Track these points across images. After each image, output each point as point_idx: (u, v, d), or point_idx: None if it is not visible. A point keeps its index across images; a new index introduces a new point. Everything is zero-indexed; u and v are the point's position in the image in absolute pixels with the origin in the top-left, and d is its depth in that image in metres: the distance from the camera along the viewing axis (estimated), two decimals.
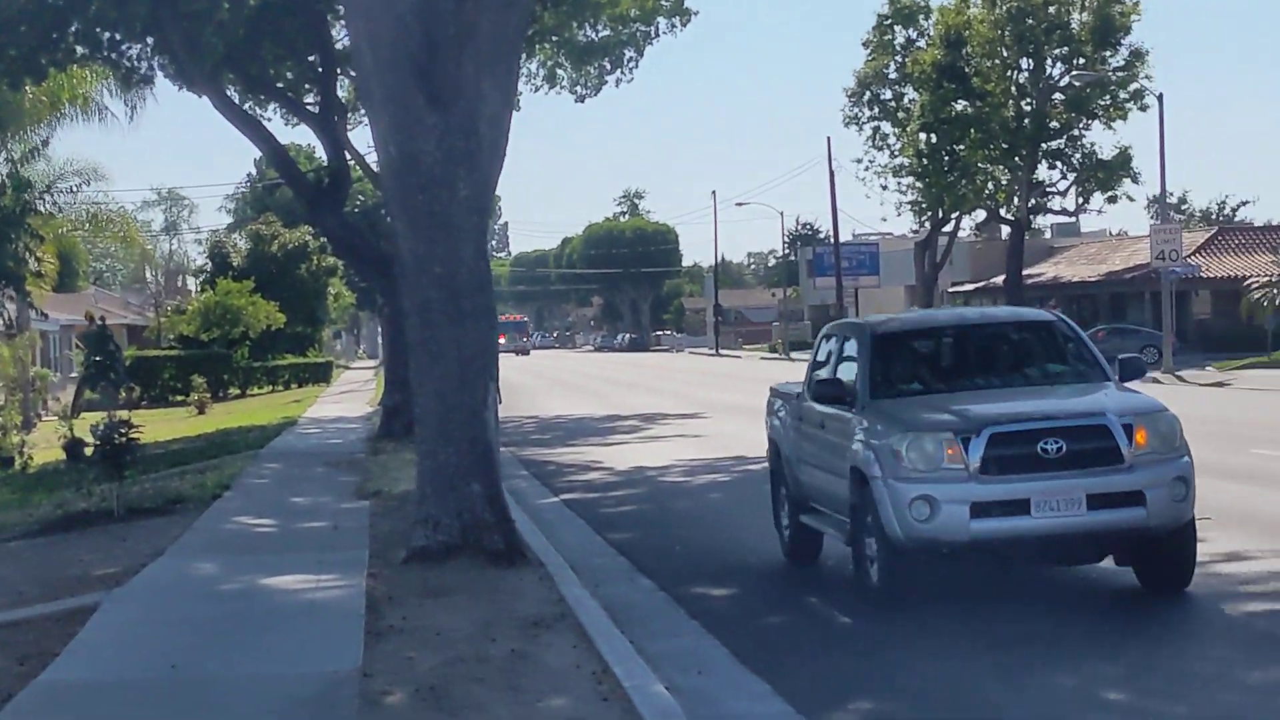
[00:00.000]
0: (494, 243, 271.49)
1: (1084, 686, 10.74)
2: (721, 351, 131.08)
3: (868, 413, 14.11)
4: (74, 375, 64.97)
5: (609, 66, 45.16)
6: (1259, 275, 71.67)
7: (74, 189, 48.84)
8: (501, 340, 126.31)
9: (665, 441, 34.59)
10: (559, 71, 45.36)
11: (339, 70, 38.49)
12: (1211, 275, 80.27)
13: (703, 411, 45.79)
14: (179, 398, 70.38)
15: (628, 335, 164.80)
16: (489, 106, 16.43)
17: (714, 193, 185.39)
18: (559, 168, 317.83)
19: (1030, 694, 10.65)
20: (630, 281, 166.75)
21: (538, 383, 76.74)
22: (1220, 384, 54.10)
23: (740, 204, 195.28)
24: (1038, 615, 13.27)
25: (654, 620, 14.00)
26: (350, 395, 66.14)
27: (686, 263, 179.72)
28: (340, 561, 16.59)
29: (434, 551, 16.00)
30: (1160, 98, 67.39)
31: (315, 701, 10.67)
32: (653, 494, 24.64)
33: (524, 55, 44.21)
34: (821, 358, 16.48)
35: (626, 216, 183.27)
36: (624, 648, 11.98)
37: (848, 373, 15.18)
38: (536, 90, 45.62)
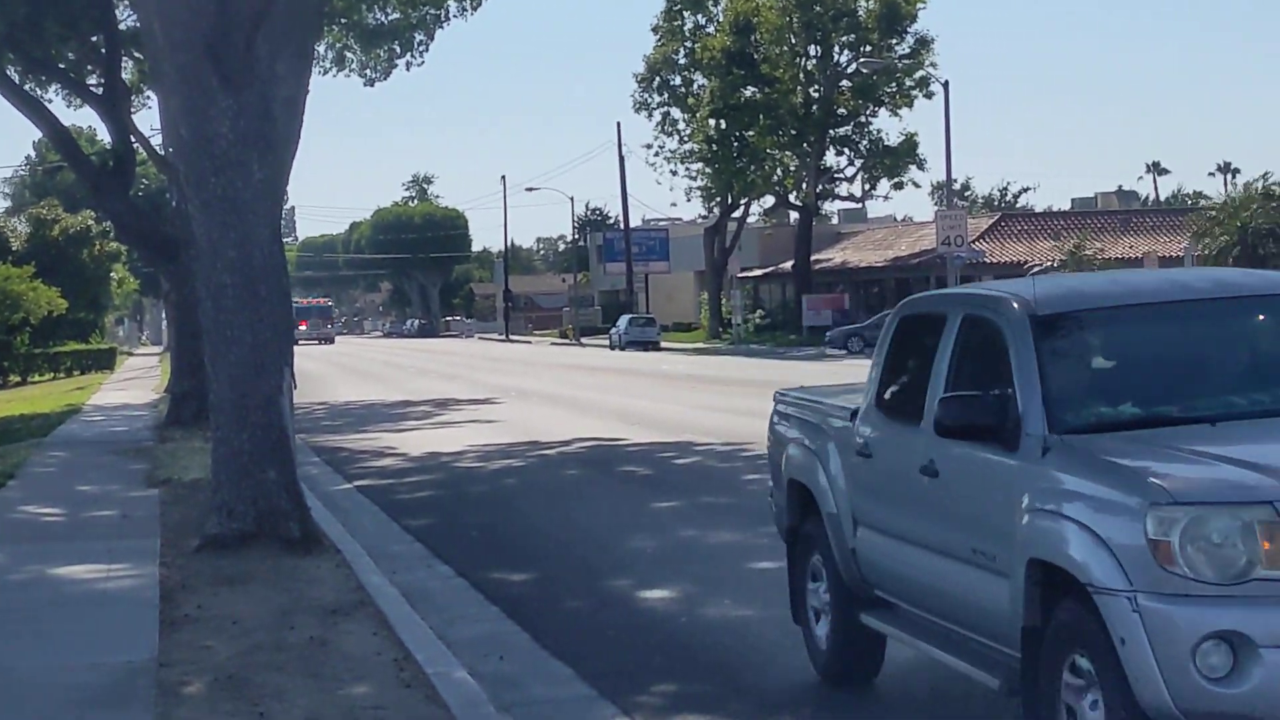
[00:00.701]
0: (281, 226, 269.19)
1: None
2: (512, 337, 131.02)
3: (1057, 458, 7.95)
4: None
5: (399, 49, 44.79)
6: (1040, 260, 73.30)
7: None
8: (302, 327, 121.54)
9: (458, 427, 34.50)
10: (348, 54, 44.89)
11: (123, 52, 37.80)
12: (995, 260, 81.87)
13: (495, 396, 45.75)
14: None
15: (417, 321, 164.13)
16: (283, 89, 16.28)
17: (504, 178, 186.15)
18: (347, 151, 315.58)
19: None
20: (419, 267, 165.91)
21: (328, 369, 76.01)
22: None
23: (530, 189, 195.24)
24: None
25: (454, 606, 13.99)
26: (135, 382, 65.06)
27: (476, 248, 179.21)
28: (131, 550, 16.30)
29: (229, 539, 15.79)
30: (946, 85, 68.56)
31: (111, 691, 10.48)
32: (448, 480, 24.55)
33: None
34: (907, 355, 10.16)
35: (416, 201, 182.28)
36: (425, 634, 11.95)
37: (973, 380, 8.90)
38: (325, 73, 44.99)
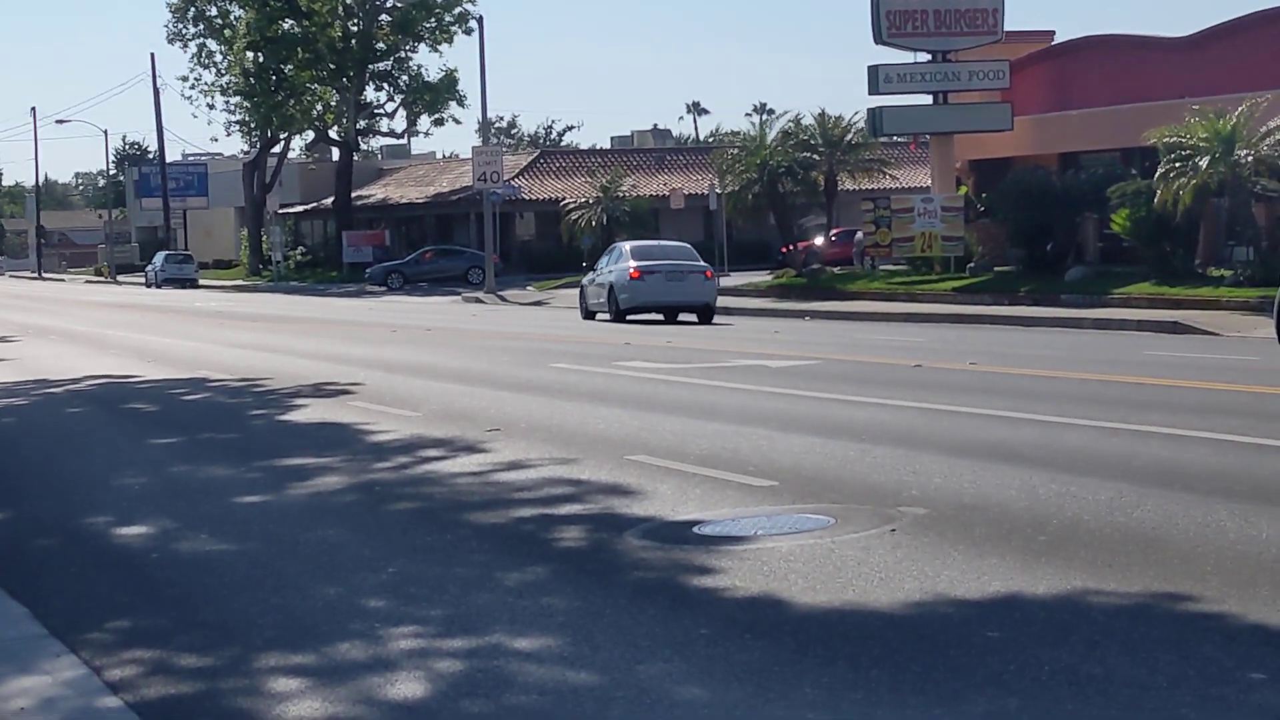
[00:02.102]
0: None
1: (347, 596, 10.85)
2: (45, 275, 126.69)
3: None
4: None
5: None
6: (577, 198, 74.27)
7: None
8: None
9: None
10: None
11: None
12: (534, 197, 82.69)
13: (11, 335, 44.20)
14: None
15: None
16: None
17: (34, 109, 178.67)
18: None
19: (298, 604, 10.67)
20: None
21: None
22: (539, 303, 55.90)
23: (61, 121, 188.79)
24: (324, 540, 13.35)
25: None
26: None
27: (8, 182, 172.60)
28: None
29: None
30: (480, 21, 68.85)
31: None
32: None
33: None
34: None
35: None
36: None
37: None
38: None
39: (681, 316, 44.57)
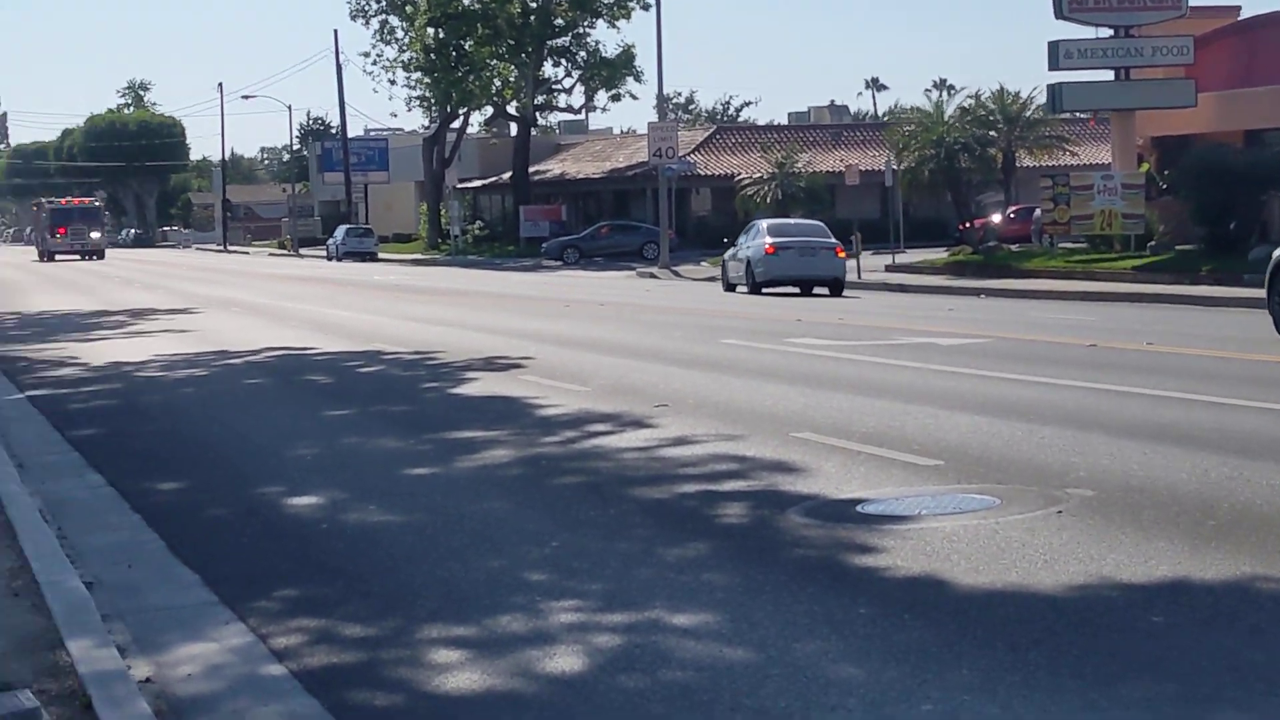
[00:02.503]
0: None
1: (510, 569, 10.94)
2: (230, 248, 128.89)
3: None
4: None
5: None
6: (752, 173, 74.11)
7: None
8: (59, 235, 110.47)
9: (149, 337, 33.83)
10: None
11: None
12: (709, 173, 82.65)
13: (196, 307, 45.04)
14: None
15: (132, 231, 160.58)
16: None
17: (220, 85, 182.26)
18: (59, 54, 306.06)
19: (462, 575, 10.78)
20: (135, 175, 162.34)
21: (29, 279, 74.07)
22: (713, 278, 55.80)
23: (247, 97, 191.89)
24: (490, 512, 13.47)
25: (96, 516, 13.63)
26: None
27: (195, 157, 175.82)
28: None
29: None
30: (658, 1, 68.74)
31: None
32: (125, 390, 24.00)
33: None
34: None
35: (131, 108, 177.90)
36: (49, 542, 11.65)
37: None
38: None
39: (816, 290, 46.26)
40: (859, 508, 12.34)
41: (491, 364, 25.02)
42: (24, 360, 29.02)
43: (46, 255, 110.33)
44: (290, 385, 23.70)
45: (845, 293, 46.16)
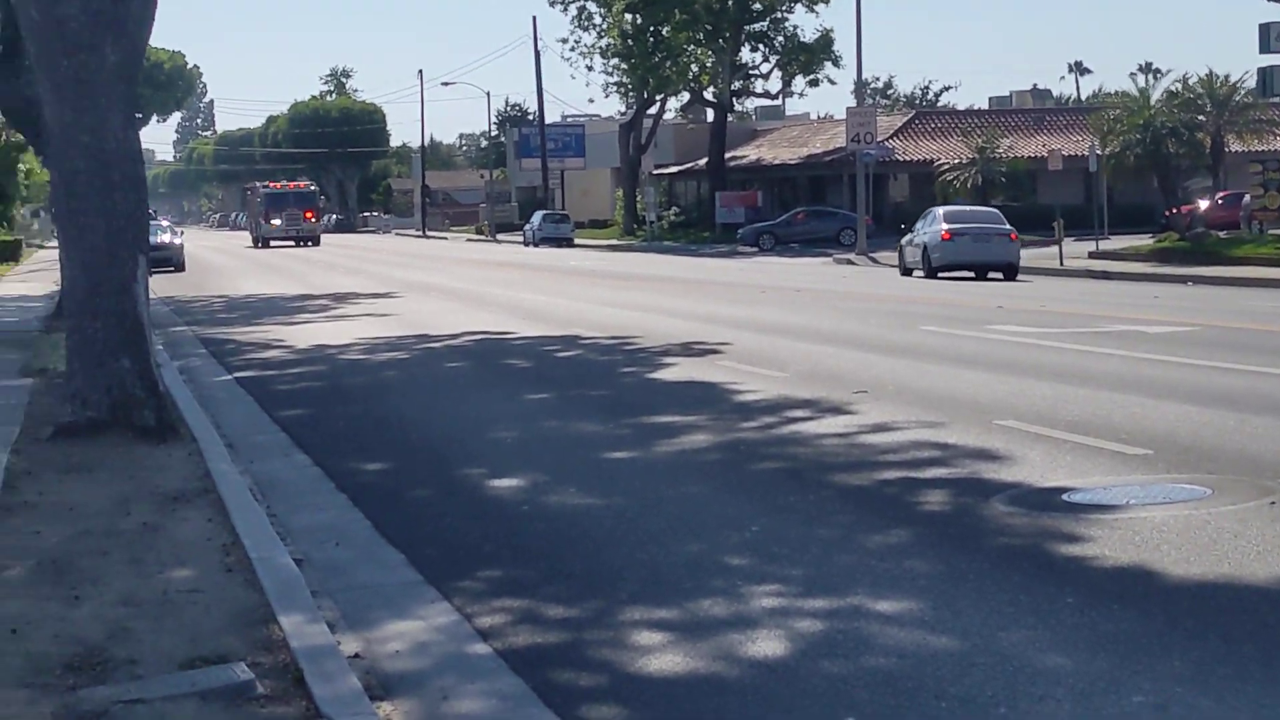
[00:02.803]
0: (200, 120, 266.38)
1: (710, 553, 10.95)
2: (429, 233, 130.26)
3: None
4: None
5: None
6: (952, 159, 73.40)
7: None
8: (275, 223, 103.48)
9: (351, 321, 34.35)
10: None
11: None
12: (908, 159, 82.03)
13: (396, 291, 45.62)
14: None
15: (334, 216, 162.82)
16: None
17: (420, 72, 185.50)
18: (264, 43, 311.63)
19: (661, 559, 10.81)
20: (337, 162, 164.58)
21: (234, 263, 75.56)
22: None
23: (446, 84, 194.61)
24: (689, 496, 13.51)
25: (303, 495, 13.91)
26: (39, 274, 64.18)
27: (396, 143, 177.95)
28: None
29: (81, 427, 15.64)
30: None
31: None
32: (329, 372, 24.42)
33: None
34: None
35: (333, 95, 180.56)
36: (260, 520, 11.89)
37: None
38: None
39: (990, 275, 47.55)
40: (1064, 496, 12.19)
41: (689, 349, 25.05)
42: (231, 343, 29.62)
43: (261, 241, 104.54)
44: (489, 369, 23.92)
45: (1034, 279, 46.14)
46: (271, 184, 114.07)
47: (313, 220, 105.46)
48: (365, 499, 13.46)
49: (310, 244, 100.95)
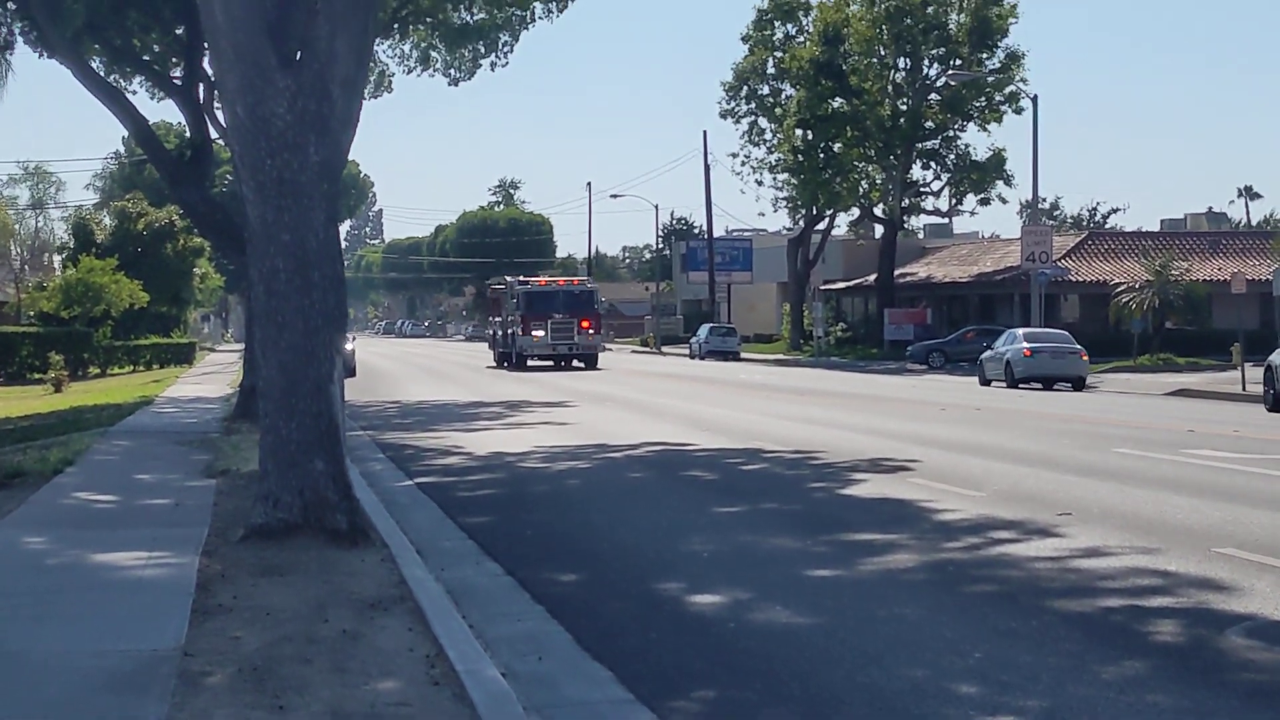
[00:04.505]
0: (368, 229, 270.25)
1: (934, 679, 10.41)
2: None
3: None
4: None
5: (483, 50, 44.55)
6: (1127, 280, 72.26)
7: None
8: (537, 334, 72.62)
9: (528, 429, 34.10)
10: (433, 53, 44.71)
11: (205, 43, 37.68)
12: (1080, 279, 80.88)
13: (569, 400, 45.43)
14: (36, 375, 68.34)
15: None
16: (342, 68, 15.82)
17: (589, 184, 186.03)
18: (434, 153, 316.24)
19: (884, 683, 10.30)
20: (503, 271, 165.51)
21: (404, 369, 75.87)
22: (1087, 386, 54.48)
23: (615, 196, 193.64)
24: (902, 618, 12.96)
25: (498, 604, 13.53)
26: (212, 377, 65.11)
27: (561, 254, 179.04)
28: (177, 538, 15.95)
29: (273, 529, 15.43)
30: (1035, 100, 67.84)
31: (130, 678, 10.11)
32: (510, 479, 24.09)
33: (398, 36, 43.59)
34: None
35: (501, 205, 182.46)
36: (461, 631, 11.52)
37: None
38: (410, 72, 45.02)
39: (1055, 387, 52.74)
40: None
41: (877, 465, 24.48)
42: (410, 448, 29.48)
43: (511, 359, 76.25)
44: (673, 479, 23.48)
45: (1220, 404, 44.95)
46: (538, 280, 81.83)
47: (590, 332, 74.87)
48: (562, 610, 13.07)
49: (587, 366, 73.80)
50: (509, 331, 76.77)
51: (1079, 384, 54.23)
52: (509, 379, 62.83)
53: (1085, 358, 55.01)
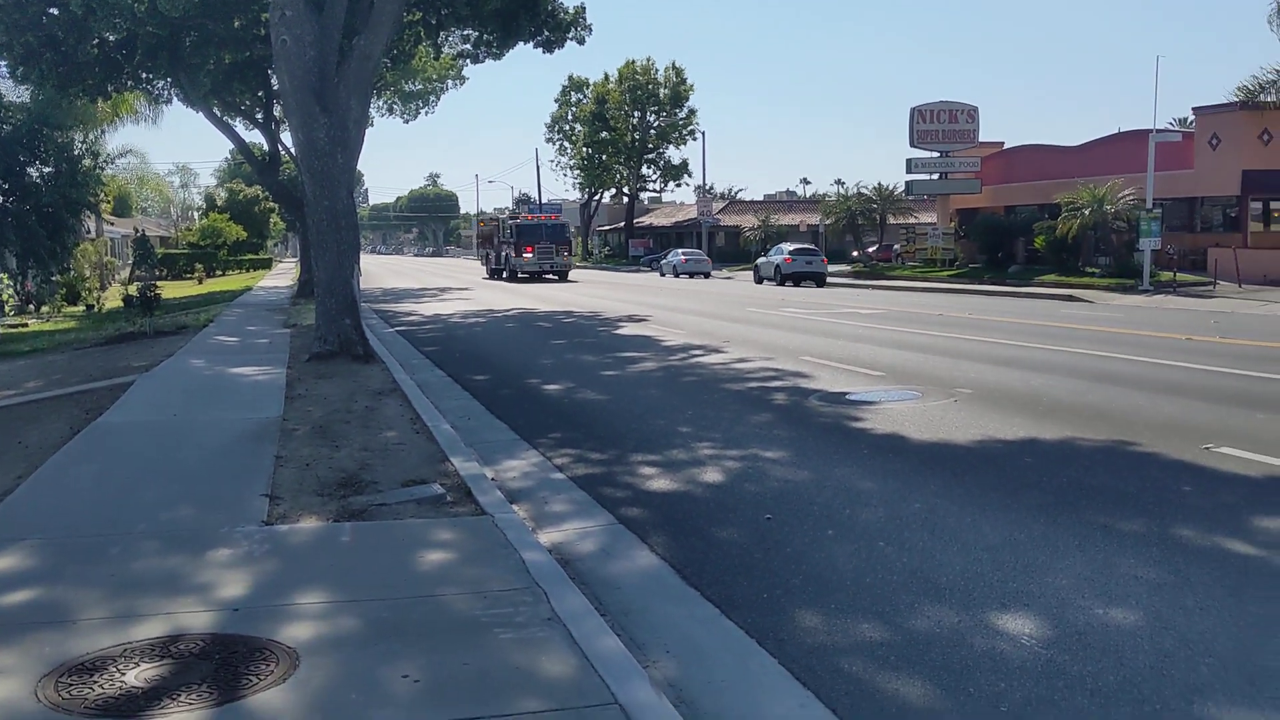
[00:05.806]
0: (359, 196, 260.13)
1: (669, 425, 10.39)
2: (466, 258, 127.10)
3: None
4: (129, 262, 59.97)
5: (421, 105, 43.33)
6: (748, 225, 72.58)
7: (112, 159, 44.46)
8: (528, 254, 51.23)
9: (449, 302, 33.31)
10: (395, 106, 43.29)
11: (275, 99, 35.75)
12: (725, 225, 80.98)
13: (469, 287, 44.54)
14: (187, 275, 65.14)
15: (430, 248, 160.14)
16: (354, 114, 15.08)
17: (477, 175, 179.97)
18: (396, 157, 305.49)
19: (643, 427, 10.25)
20: (432, 221, 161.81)
21: (382, 270, 73.65)
22: (728, 277, 54.19)
23: (491, 182, 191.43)
24: (650, 396, 12.90)
25: (444, 392, 13.17)
26: (281, 276, 62.48)
27: (463, 212, 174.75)
28: (272, 359, 15.33)
29: (324, 355, 14.91)
30: (704, 134, 67.55)
31: (255, 432, 9.73)
32: (445, 328, 23.47)
33: (374, 96, 41.79)
34: None
35: (431, 186, 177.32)
36: (428, 405, 11.26)
37: None
38: (382, 115, 43.47)
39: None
40: (847, 396, 11.77)
41: (631, 318, 24.32)
42: (390, 312, 28.64)
43: (504, 274, 53.61)
44: (529, 327, 23.10)
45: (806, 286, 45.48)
46: (526, 215, 55.52)
47: (564, 257, 52.51)
48: (478, 394, 12.82)
49: (558, 278, 51.86)
50: (503, 253, 54.38)
51: (821, 281, 42.86)
52: (437, 276, 61.16)
53: (826, 262, 44.63)
